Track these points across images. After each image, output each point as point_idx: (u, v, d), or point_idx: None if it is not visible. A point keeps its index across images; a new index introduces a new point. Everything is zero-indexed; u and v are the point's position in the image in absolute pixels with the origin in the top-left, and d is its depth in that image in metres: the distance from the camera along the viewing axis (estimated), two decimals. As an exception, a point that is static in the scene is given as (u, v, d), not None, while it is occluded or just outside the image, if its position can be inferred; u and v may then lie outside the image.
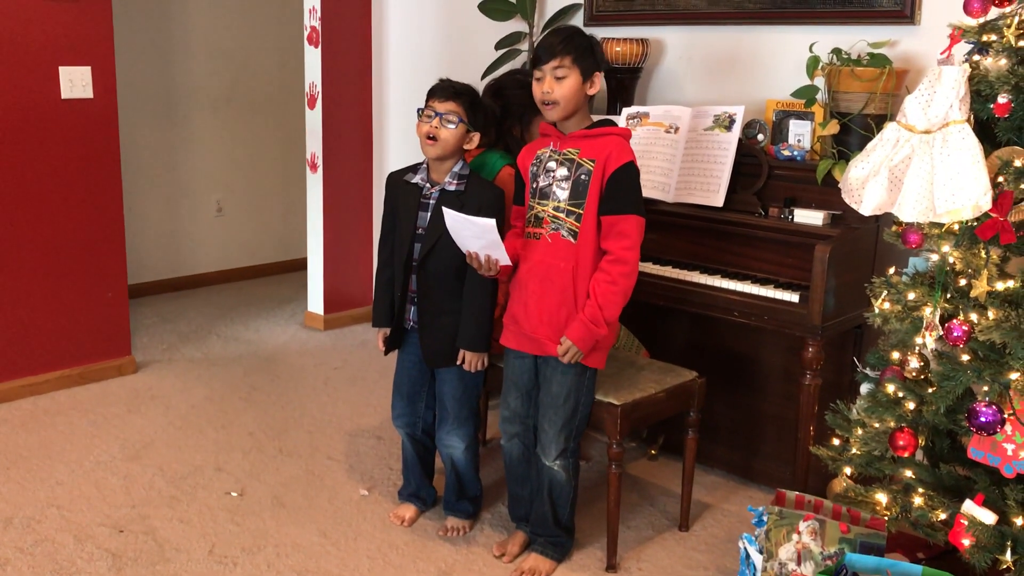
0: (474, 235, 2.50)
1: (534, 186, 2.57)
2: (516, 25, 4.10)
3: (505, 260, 2.52)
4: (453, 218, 2.52)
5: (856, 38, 3.06)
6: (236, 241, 5.92)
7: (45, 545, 2.74)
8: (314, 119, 4.78)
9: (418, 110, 2.70)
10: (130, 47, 5.08)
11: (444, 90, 2.67)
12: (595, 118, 2.60)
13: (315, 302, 5.00)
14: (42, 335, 3.87)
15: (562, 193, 2.51)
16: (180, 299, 5.44)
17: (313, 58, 4.72)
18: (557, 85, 2.46)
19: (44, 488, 3.08)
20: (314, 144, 4.82)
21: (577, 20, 3.96)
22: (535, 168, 2.58)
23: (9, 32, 3.59)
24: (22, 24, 3.62)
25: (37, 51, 3.67)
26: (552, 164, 2.54)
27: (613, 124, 2.55)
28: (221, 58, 5.64)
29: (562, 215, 2.51)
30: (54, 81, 3.73)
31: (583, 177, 2.48)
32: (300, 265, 5.58)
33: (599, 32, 3.80)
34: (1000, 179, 2.12)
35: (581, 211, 2.48)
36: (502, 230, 2.59)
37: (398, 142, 4.86)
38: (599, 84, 2.52)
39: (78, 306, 3.95)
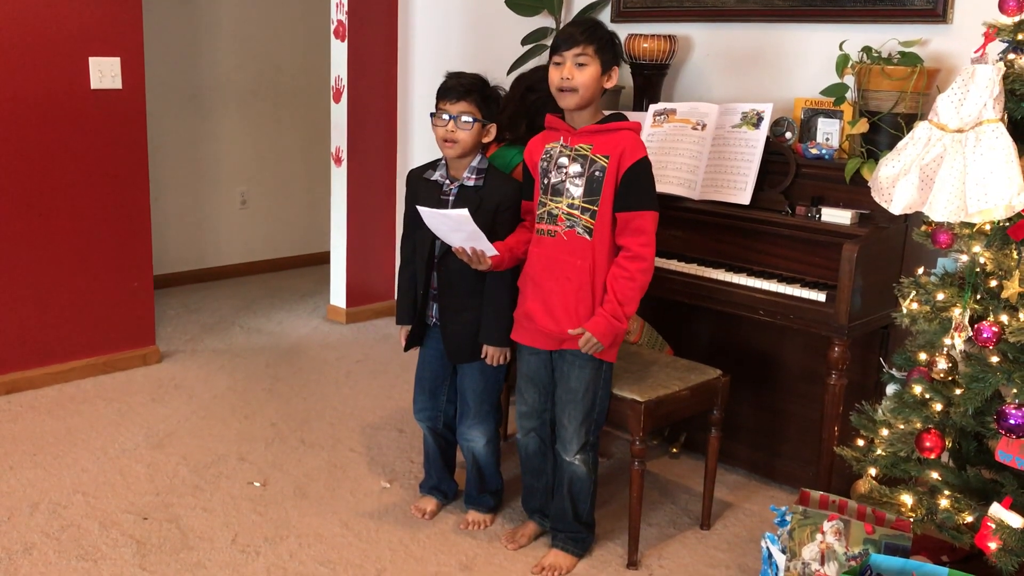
0: (452, 228, 2.51)
1: (545, 182, 2.56)
2: (543, 21, 4.09)
3: (491, 250, 2.53)
4: (428, 215, 2.52)
5: (887, 36, 3.03)
6: (260, 234, 5.95)
7: (71, 531, 2.76)
8: (339, 113, 4.80)
9: (431, 113, 2.70)
10: (158, 39, 5.12)
11: (454, 90, 2.65)
12: (605, 113, 2.58)
13: (338, 295, 5.02)
14: (69, 324, 3.90)
15: (576, 190, 2.50)
16: (204, 290, 5.48)
17: (339, 52, 4.73)
18: (578, 72, 2.45)
19: (70, 475, 3.11)
20: (339, 138, 4.83)
21: (604, 16, 3.95)
22: (545, 163, 2.57)
23: (41, 23, 3.62)
24: (53, 15, 3.65)
25: (67, 42, 3.70)
26: (564, 160, 2.53)
27: (624, 118, 2.54)
28: (247, 51, 5.67)
29: (577, 212, 2.50)
30: (84, 71, 3.76)
31: (597, 174, 2.47)
32: (323, 259, 5.60)
33: (627, 28, 3.80)
34: (1034, 179, 2.09)
35: (596, 208, 2.47)
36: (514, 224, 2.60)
37: (423, 137, 4.87)
38: (615, 79, 2.52)
39: (104, 296, 3.99)
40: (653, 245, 2.48)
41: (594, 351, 2.49)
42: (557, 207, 2.53)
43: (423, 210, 2.53)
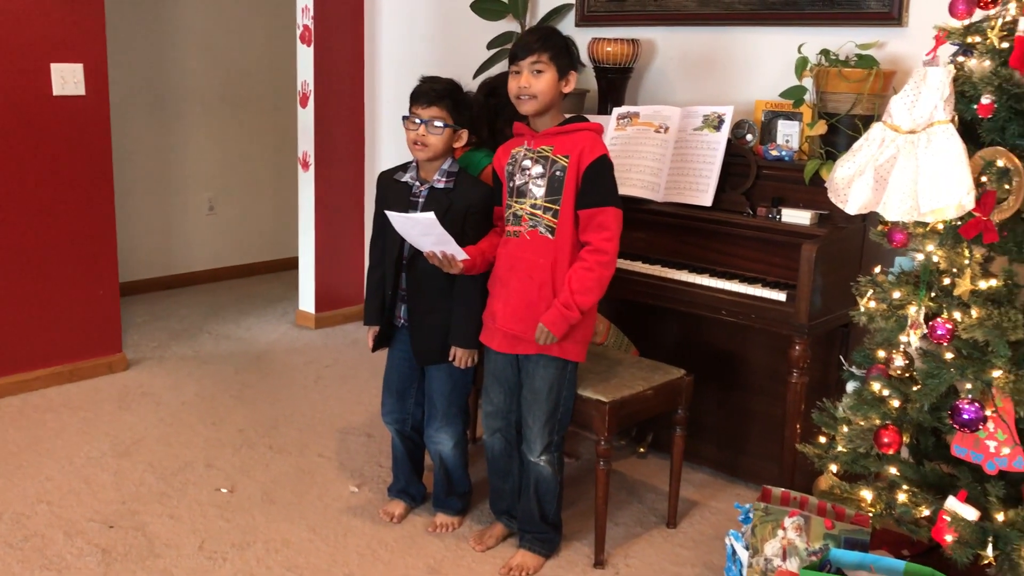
0: (421, 233, 2.53)
1: (511, 185, 2.60)
2: (508, 25, 4.12)
3: (461, 254, 2.55)
4: (397, 219, 2.54)
5: (844, 39, 3.08)
6: (228, 239, 5.93)
7: (35, 540, 2.74)
8: (306, 118, 4.80)
9: (403, 117, 2.71)
10: (122, 44, 5.09)
11: (427, 95, 2.67)
12: (567, 116, 2.62)
13: (306, 300, 5.01)
14: (33, 332, 3.87)
15: (538, 190, 2.54)
16: (172, 297, 5.45)
17: (305, 57, 4.73)
18: (535, 80, 2.50)
19: (34, 484, 3.09)
20: (306, 143, 4.83)
21: (569, 20, 3.98)
22: (511, 167, 2.61)
23: (1, 29, 3.59)
24: (13, 21, 3.62)
25: (29, 48, 3.67)
26: (527, 162, 2.57)
27: (584, 120, 2.58)
28: (213, 56, 5.64)
29: (540, 212, 2.53)
30: (46, 78, 3.73)
31: (558, 173, 2.51)
32: (292, 264, 5.58)
33: (590, 32, 3.83)
34: (983, 179, 2.14)
35: (558, 207, 2.51)
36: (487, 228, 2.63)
37: (390, 141, 4.88)
38: (573, 83, 2.56)
39: (69, 303, 3.96)
40: (616, 240, 2.51)
41: (547, 342, 2.51)
42: (521, 208, 2.57)
43: (391, 215, 2.54)
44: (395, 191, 2.76)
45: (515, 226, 2.59)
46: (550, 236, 2.52)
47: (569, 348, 2.56)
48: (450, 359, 2.74)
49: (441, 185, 2.69)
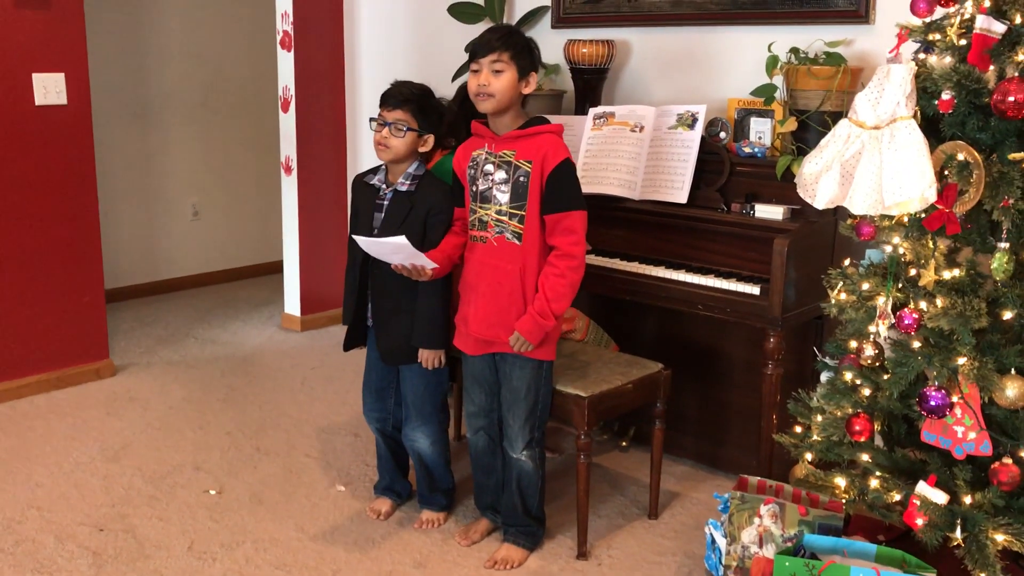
0: (392, 251, 2.57)
1: (474, 189, 2.62)
2: (485, 28, 4.15)
3: (430, 264, 2.58)
4: (366, 243, 2.59)
5: (813, 37, 3.15)
6: (212, 244, 5.96)
7: (26, 545, 2.78)
8: (288, 123, 4.84)
9: (370, 118, 2.76)
10: (103, 53, 5.11)
11: (394, 98, 2.72)
12: (530, 116, 2.63)
13: (292, 304, 5.05)
14: (20, 340, 3.90)
15: (503, 196, 2.56)
16: (157, 303, 5.47)
17: (286, 62, 4.77)
18: (494, 79, 2.51)
19: (24, 490, 3.12)
20: (288, 147, 4.87)
21: (545, 22, 4.04)
22: (472, 171, 2.63)
23: (-18, 40, 3.63)
24: (-5, 32, 3.65)
25: (10, 58, 3.70)
26: (489, 167, 2.58)
27: (546, 122, 2.59)
28: (194, 63, 5.67)
29: (505, 218, 2.56)
30: (28, 88, 3.76)
31: (522, 179, 2.53)
32: (276, 267, 5.61)
33: (566, 34, 3.89)
34: (945, 172, 2.20)
35: (523, 212, 2.53)
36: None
37: (371, 144, 4.87)
38: (534, 84, 2.57)
39: (56, 311, 3.99)
40: (583, 243, 2.54)
41: (524, 350, 2.56)
42: (486, 214, 2.59)
43: (360, 240, 2.59)
44: (364, 194, 2.82)
45: (481, 231, 2.61)
46: (517, 242, 2.55)
47: (542, 350, 2.60)
48: (418, 360, 2.78)
49: (404, 188, 2.74)
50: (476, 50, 2.55)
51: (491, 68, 2.51)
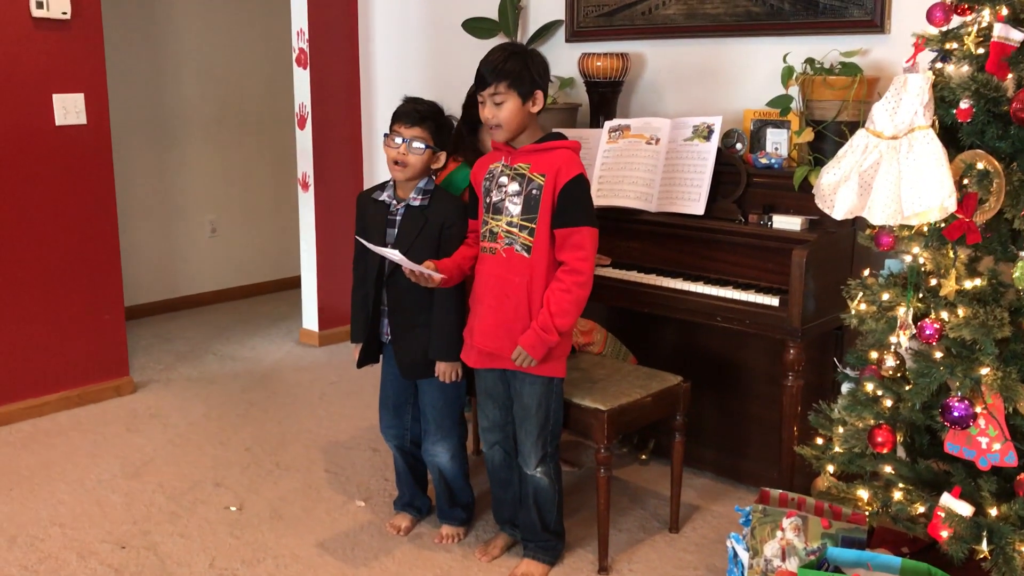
0: (395, 259, 2.59)
1: (487, 201, 2.63)
2: (499, 42, 4.17)
3: (436, 275, 2.58)
4: (374, 250, 2.62)
5: (828, 48, 3.14)
6: (230, 261, 5.99)
7: (49, 562, 2.79)
8: (304, 139, 4.86)
9: (384, 135, 2.76)
10: (122, 73, 5.17)
11: (410, 115, 2.72)
12: (551, 131, 2.64)
13: (310, 319, 5.07)
14: (41, 358, 3.93)
15: (515, 208, 2.56)
16: (176, 319, 5.51)
17: (302, 79, 4.80)
18: (498, 111, 2.52)
19: (47, 507, 3.14)
20: (305, 164, 4.90)
21: (559, 36, 4.05)
22: (488, 183, 2.64)
23: (3, 61, 3.67)
24: (16, 53, 3.70)
25: (31, 79, 3.75)
26: (504, 179, 2.59)
27: (563, 137, 2.59)
28: (211, 81, 5.72)
29: (516, 230, 2.56)
30: (48, 108, 3.81)
31: (534, 192, 2.53)
32: (294, 283, 5.65)
33: (581, 47, 3.89)
34: (964, 181, 2.19)
35: (534, 225, 2.53)
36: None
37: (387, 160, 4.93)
38: (541, 102, 2.55)
39: (76, 329, 4.02)
40: (592, 260, 2.53)
41: (526, 365, 2.55)
42: (497, 225, 2.59)
43: (368, 243, 2.62)
44: (373, 211, 2.82)
45: (491, 243, 2.61)
46: (526, 254, 2.55)
47: (550, 367, 2.59)
48: (436, 374, 2.79)
49: (417, 203, 2.75)
50: (477, 81, 2.56)
51: (492, 101, 2.52)
